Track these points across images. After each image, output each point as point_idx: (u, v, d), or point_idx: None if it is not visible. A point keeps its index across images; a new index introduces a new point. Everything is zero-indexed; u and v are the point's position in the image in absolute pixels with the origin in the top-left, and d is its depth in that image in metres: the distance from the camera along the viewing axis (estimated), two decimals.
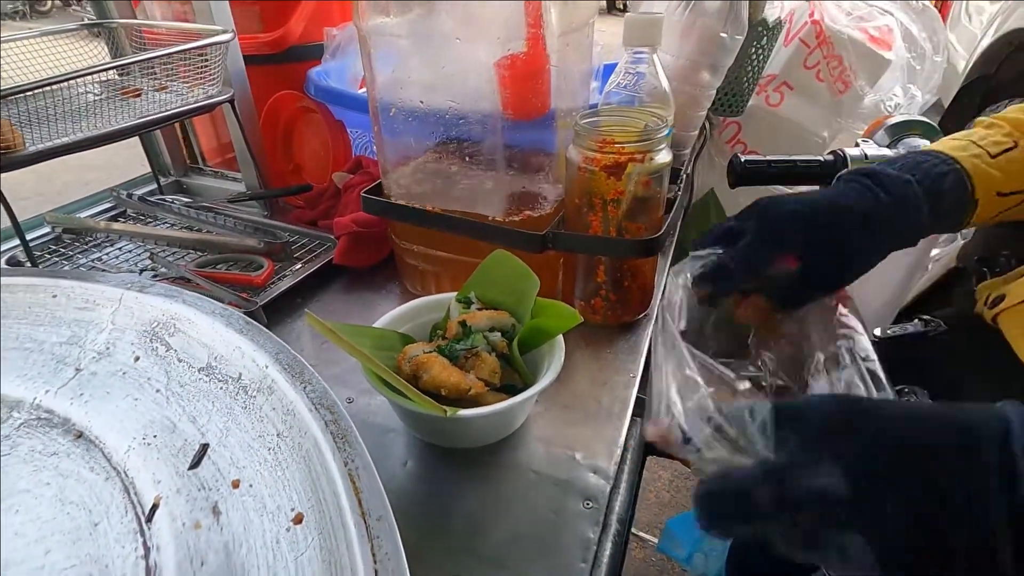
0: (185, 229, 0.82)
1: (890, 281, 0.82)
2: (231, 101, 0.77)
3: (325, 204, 0.85)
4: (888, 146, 0.71)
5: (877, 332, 0.57)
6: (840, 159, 0.67)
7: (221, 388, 0.40)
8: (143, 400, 0.40)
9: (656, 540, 1.28)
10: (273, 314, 0.66)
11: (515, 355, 0.50)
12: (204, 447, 0.37)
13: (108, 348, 0.44)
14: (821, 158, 0.68)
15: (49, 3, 7.58)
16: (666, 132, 0.54)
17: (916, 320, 0.57)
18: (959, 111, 1.97)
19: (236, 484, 0.34)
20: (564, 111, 0.60)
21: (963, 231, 0.79)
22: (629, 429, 0.51)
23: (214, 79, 0.75)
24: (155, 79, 0.78)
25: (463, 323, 0.49)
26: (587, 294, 0.63)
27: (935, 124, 0.72)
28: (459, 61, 0.56)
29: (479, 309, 0.52)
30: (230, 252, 0.74)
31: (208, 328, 0.43)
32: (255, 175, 0.87)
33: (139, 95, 0.76)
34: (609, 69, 0.77)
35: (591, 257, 0.60)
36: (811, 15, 0.93)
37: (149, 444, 0.37)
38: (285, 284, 0.68)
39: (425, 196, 0.63)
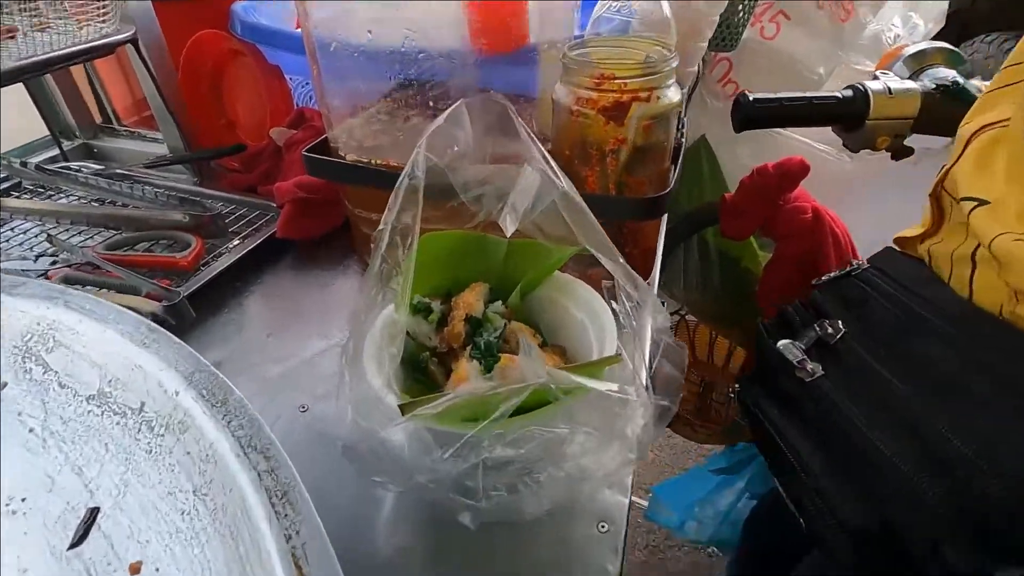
0: (95, 203, 0.69)
1: None
2: (134, 41, 0.62)
3: (264, 166, 0.72)
4: (911, 78, 0.62)
5: (815, 281, 0.57)
6: (861, 94, 0.59)
7: (118, 424, 0.30)
8: (11, 445, 0.30)
9: (642, 502, 1.24)
10: (206, 304, 0.55)
11: (525, 316, 0.43)
12: (93, 513, 0.27)
13: None
14: (839, 94, 0.60)
15: None
16: (675, 64, 0.44)
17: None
18: None
19: (136, 569, 0.24)
20: (546, 44, 0.49)
21: None
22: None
23: (108, 15, 0.60)
24: (34, 15, 0.62)
25: (467, 317, 0.39)
26: (581, 266, 0.53)
27: (959, 51, 0.64)
28: None
29: (442, 303, 0.42)
30: (150, 229, 0.62)
31: (99, 340, 0.33)
32: (177, 134, 0.73)
33: (13, 36, 0.61)
34: None
35: None
36: None
37: (15, 512, 0.27)
38: (219, 265, 0.57)
39: (381, 151, 0.51)
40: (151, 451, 0.28)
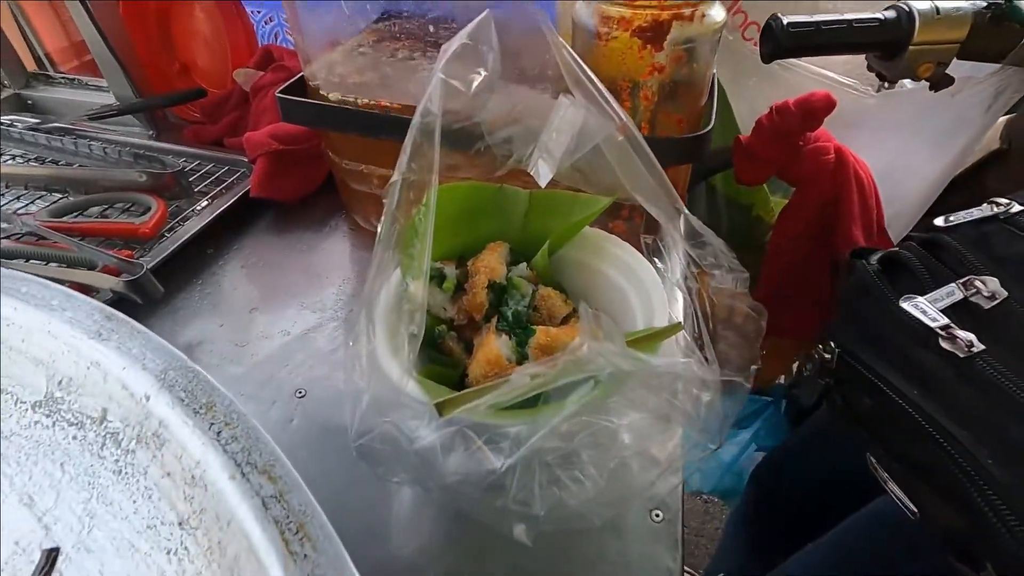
0: (33, 162, 0.59)
1: (924, 186, 0.71)
2: None
3: (231, 115, 0.64)
4: None
5: (939, 221, 0.46)
6: (906, 15, 0.52)
7: (74, 437, 0.24)
8: None
9: None
10: (174, 276, 0.48)
11: (552, 278, 0.37)
12: (50, 555, 0.21)
13: None
14: (881, 16, 0.53)
15: None
16: None
17: (985, 205, 0.46)
18: None
19: None
20: None
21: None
22: None
23: None
24: None
25: (491, 284, 0.33)
26: (602, 218, 0.48)
27: None
28: None
29: (456, 267, 0.36)
30: (101, 191, 0.54)
31: (42, 332, 0.26)
32: (124, 81, 0.64)
33: None
34: None
35: None
36: None
37: None
38: (187, 231, 0.50)
39: (370, 88, 0.44)
40: (120, 471, 0.22)
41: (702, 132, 0.40)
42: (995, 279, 0.39)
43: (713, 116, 0.42)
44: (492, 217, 0.37)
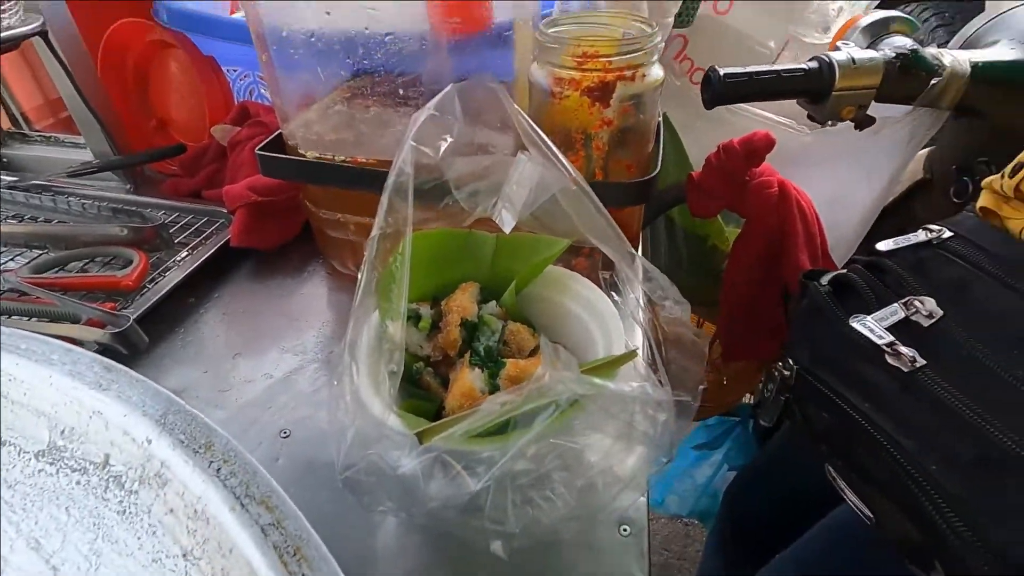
0: (11, 220, 0.61)
1: (859, 214, 0.78)
2: (43, 34, 0.55)
3: (208, 168, 0.66)
4: (870, 47, 0.63)
5: (881, 246, 0.50)
6: (827, 65, 0.59)
7: (78, 483, 0.25)
8: None
9: None
10: (157, 326, 0.49)
11: (520, 314, 0.40)
12: None
13: None
14: (805, 66, 0.60)
15: None
16: (658, 39, 0.42)
17: (920, 231, 0.51)
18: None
19: None
20: (520, 20, 0.46)
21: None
22: None
23: (10, 5, 0.52)
24: None
25: (463, 322, 0.36)
26: (565, 255, 0.51)
27: (914, 19, 0.65)
28: None
29: (430, 307, 0.39)
30: (82, 246, 0.55)
31: (44, 385, 0.28)
32: (102, 138, 0.66)
33: None
34: None
35: None
36: None
37: None
38: (169, 282, 0.51)
39: (345, 146, 0.47)
40: (124, 511, 0.24)
41: (649, 177, 0.44)
42: (932, 299, 0.42)
43: (659, 161, 0.47)
44: (462, 260, 0.40)
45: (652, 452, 0.31)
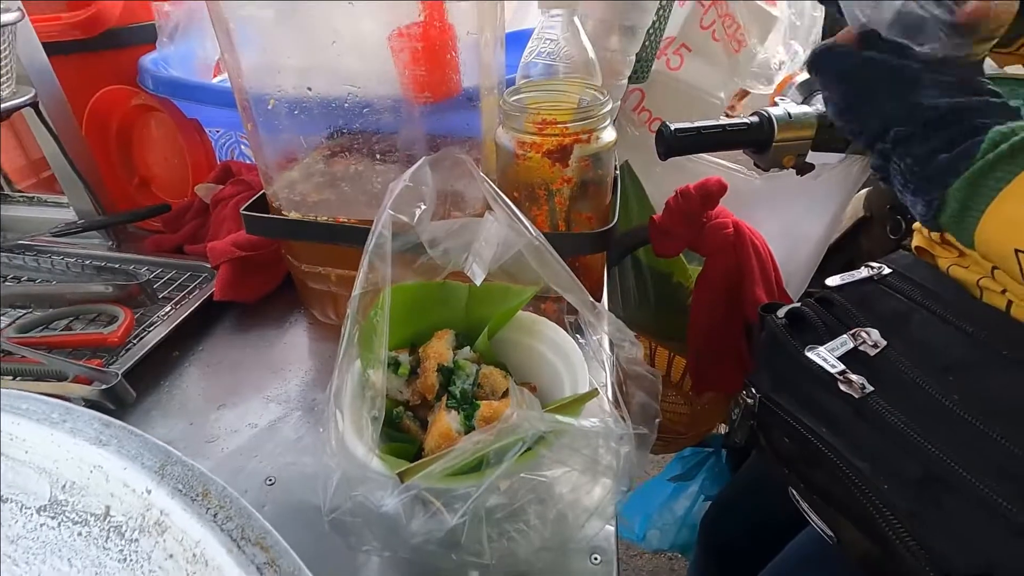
0: None
1: (809, 250, 0.84)
2: (34, 104, 0.58)
3: (190, 224, 0.69)
4: (804, 102, 0.70)
5: (830, 282, 0.55)
6: (766, 119, 0.65)
7: (80, 534, 0.27)
8: None
9: None
10: (142, 379, 0.51)
11: (493, 357, 0.43)
12: None
13: None
14: (748, 121, 0.66)
15: None
16: (609, 107, 0.47)
17: (863, 268, 0.55)
18: None
19: None
20: (486, 87, 0.51)
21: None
22: None
23: (3, 76, 0.55)
24: None
25: (440, 368, 0.39)
26: (535, 300, 0.55)
27: None
28: (348, 34, 0.45)
29: (409, 354, 0.42)
30: (67, 304, 0.57)
31: (45, 442, 0.30)
32: (87, 198, 0.68)
33: None
34: (515, 36, 0.68)
35: None
36: None
37: None
38: (153, 337, 0.53)
39: (327, 205, 0.51)
40: (125, 559, 0.26)
41: (607, 227, 0.48)
42: (876, 330, 0.45)
43: (616, 211, 0.51)
44: (438, 308, 0.43)
45: (616, 483, 0.34)
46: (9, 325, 0.54)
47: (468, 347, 0.42)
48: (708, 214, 0.81)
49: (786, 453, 0.49)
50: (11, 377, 0.48)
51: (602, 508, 0.34)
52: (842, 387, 0.43)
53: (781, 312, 0.55)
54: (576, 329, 0.42)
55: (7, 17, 0.51)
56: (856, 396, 0.42)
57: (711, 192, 0.78)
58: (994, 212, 0.35)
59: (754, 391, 0.53)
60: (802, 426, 0.46)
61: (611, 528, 0.39)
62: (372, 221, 0.34)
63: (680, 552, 1.29)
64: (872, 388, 0.42)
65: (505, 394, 0.41)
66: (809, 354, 0.46)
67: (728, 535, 0.87)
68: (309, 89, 0.45)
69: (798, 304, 0.53)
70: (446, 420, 0.36)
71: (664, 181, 0.95)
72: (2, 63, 0.53)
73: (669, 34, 0.96)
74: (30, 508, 0.28)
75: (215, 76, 0.79)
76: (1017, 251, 0.35)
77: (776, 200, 0.85)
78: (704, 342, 0.87)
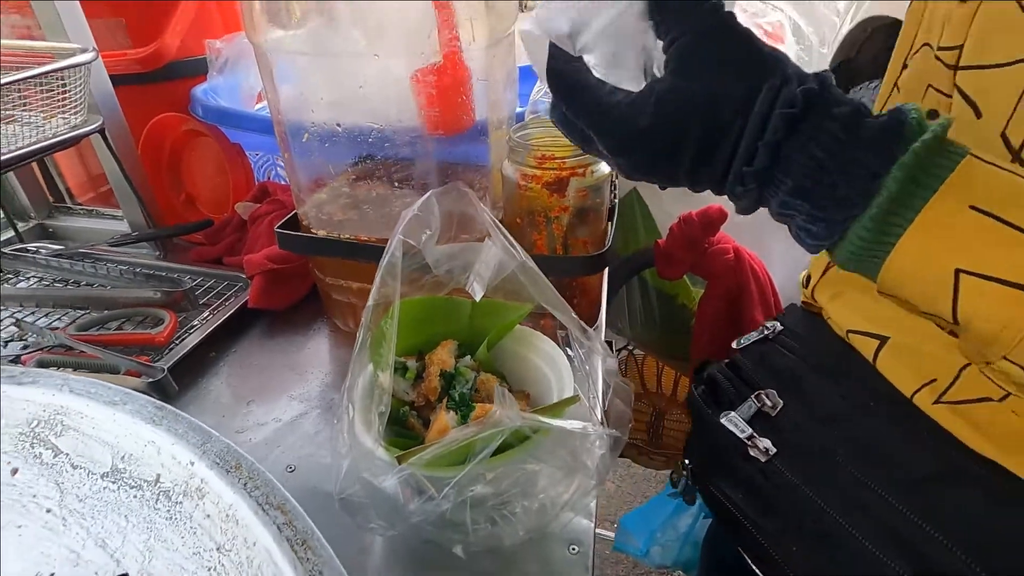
0: (58, 284, 0.70)
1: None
2: (101, 131, 0.66)
3: (229, 238, 0.76)
4: None
5: (733, 344, 0.57)
6: None
7: (135, 496, 0.33)
8: (30, 526, 0.32)
9: (608, 534, 1.29)
10: (183, 375, 0.57)
11: (492, 366, 0.47)
12: None
13: None
14: None
15: None
16: None
17: (760, 327, 0.57)
18: None
19: None
20: (495, 122, 0.57)
21: None
22: None
23: (76, 106, 0.64)
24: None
25: (441, 373, 0.44)
26: (535, 316, 0.60)
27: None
28: (374, 77, 0.51)
29: (416, 360, 0.47)
30: (120, 307, 0.64)
31: (109, 421, 0.36)
32: (140, 212, 0.76)
33: None
34: (526, 72, 0.74)
35: None
36: None
37: None
38: (194, 338, 0.60)
39: (350, 225, 0.57)
40: (171, 517, 0.32)
41: (600, 252, 0.53)
42: (774, 391, 0.47)
43: (611, 237, 0.56)
44: (443, 320, 0.49)
45: (590, 479, 0.39)
46: (71, 324, 0.61)
47: (469, 356, 0.47)
48: (710, 240, 0.86)
49: (720, 515, 0.51)
50: (71, 369, 0.55)
51: (576, 501, 0.39)
52: (751, 452, 0.45)
53: (707, 371, 0.55)
54: (566, 343, 0.47)
55: (85, 57, 0.60)
56: (763, 460, 0.44)
57: (712, 219, 0.83)
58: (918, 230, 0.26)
59: (686, 461, 0.55)
60: (721, 492, 0.48)
61: (589, 523, 0.43)
62: (387, 240, 0.39)
63: (683, 570, 1.31)
64: (776, 451, 0.44)
65: None
66: (723, 421, 0.47)
67: (728, 554, 0.89)
68: (338, 125, 0.51)
69: (714, 370, 0.54)
70: (445, 419, 0.41)
71: (671, 206, 1.00)
72: (79, 96, 0.61)
73: None
74: (95, 474, 0.34)
75: (257, 103, 0.87)
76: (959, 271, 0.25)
77: (775, 226, 0.88)
78: (707, 359, 0.90)
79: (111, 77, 0.71)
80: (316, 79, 0.52)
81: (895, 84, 0.44)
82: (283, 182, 0.79)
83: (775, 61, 0.28)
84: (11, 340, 0.59)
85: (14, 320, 0.61)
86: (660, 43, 0.29)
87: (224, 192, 0.80)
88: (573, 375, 0.44)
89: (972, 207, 0.25)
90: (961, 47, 0.35)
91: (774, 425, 0.45)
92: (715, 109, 0.27)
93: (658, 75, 0.29)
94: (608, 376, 0.42)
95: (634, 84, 0.30)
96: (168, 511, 0.32)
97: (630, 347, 1.17)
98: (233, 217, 0.76)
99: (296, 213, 0.59)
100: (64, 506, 0.33)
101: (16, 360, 0.56)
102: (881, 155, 0.25)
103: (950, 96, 0.36)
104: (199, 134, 0.79)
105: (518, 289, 0.44)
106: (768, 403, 0.46)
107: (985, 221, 0.25)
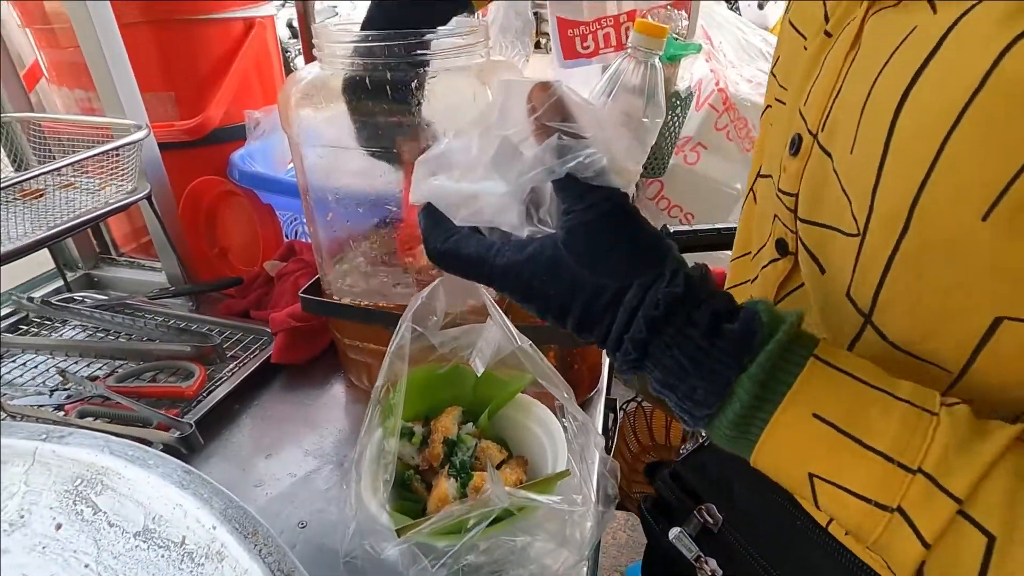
0: (100, 333, 0.76)
1: None
2: (148, 197, 0.72)
3: (257, 293, 0.81)
4: None
5: (677, 455, 0.58)
6: None
7: (163, 556, 0.37)
8: None
9: None
10: (209, 426, 0.61)
11: (493, 433, 0.50)
12: None
13: (22, 516, 0.40)
14: (735, 224, 0.73)
15: None
16: None
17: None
18: None
19: None
20: None
21: None
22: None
23: (128, 175, 0.70)
24: (60, 175, 0.72)
25: (445, 440, 0.47)
26: (534, 385, 0.63)
27: None
28: (389, 170, 0.56)
29: (422, 426, 0.50)
30: (155, 359, 0.69)
31: (143, 483, 0.40)
32: (176, 265, 0.82)
33: (42, 195, 0.70)
34: None
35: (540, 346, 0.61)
36: (716, 84, 1.01)
37: None
38: (220, 392, 0.64)
39: (370, 294, 0.61)
40: None
41: None
42: (714, 506, 0.47)
43: None
44: (449, 388, 0.52)
45: (577, 552, 0.41)
46: (110, 375, 0.67)
47: (471, 423, 0.51)
48: None
49: None
50: (108, 420, 0.60)
51: (567, 572, 0.41)
52: (700, 574, 0.46)
53: (660, 478, 0.55)
54: (563, 413, 0.50)
55: (139, 135, 0.66)
56: None
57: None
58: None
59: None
60: None
61: (580, 561, 0.45)
62: (403, 307, 0.43)
63: None
64: (722, 571, 0.45)
65: (499, 465, 0.49)
66: (671, 538, 0.47)
67: None
68: (359, 208, 0.56)
69: (659, 486, 0.55)
70: (445, 487, 0.44)
71: None
72: (131, 167, 0.68)
73: (687, 134, 1.06)
74: (129, 533, 0.38)
75: (288, 165, 0.93)
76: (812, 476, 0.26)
77: None
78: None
79: (160, 144, 0.78)
80: (339, 167, 0.58)
81: (752, 190, 0.45)
82: (308, 240, 0.84)
83: (656, 255, 0.28)
84: (56, 389, 0.64)
85: (59, 370, 0.67)
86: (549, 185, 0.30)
87: (255, 247, 0.86)
88: (567, 445, 0.47)
89: (815, 415, 0.26)
90: (797, 195, 0.34)
91: (719, 542, 0.46)
92: (595, 296, 0.28)
93: (545, 219, 0.31)
94: (598, 448, 0.44)
95: (518, 229, 0.31)
96: (191, 572, 0.35)
97: (639, 399, 1.18)
98: (261, 273, 0.82)
99: (318, 279, 0.64)
100: (100, 562, 0.37)
101: (60, 408, 0.61)
102: (734, 366, 0.26)
103: (795, 232, 0.35)
104: (234, 194, 0.86)
105: (514, 365, 0.47)
106: (710, 520, 0.46)
107: (828, 431, 0.25)
